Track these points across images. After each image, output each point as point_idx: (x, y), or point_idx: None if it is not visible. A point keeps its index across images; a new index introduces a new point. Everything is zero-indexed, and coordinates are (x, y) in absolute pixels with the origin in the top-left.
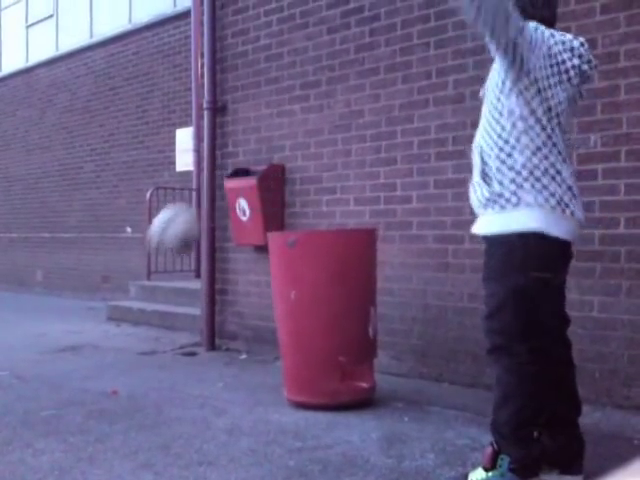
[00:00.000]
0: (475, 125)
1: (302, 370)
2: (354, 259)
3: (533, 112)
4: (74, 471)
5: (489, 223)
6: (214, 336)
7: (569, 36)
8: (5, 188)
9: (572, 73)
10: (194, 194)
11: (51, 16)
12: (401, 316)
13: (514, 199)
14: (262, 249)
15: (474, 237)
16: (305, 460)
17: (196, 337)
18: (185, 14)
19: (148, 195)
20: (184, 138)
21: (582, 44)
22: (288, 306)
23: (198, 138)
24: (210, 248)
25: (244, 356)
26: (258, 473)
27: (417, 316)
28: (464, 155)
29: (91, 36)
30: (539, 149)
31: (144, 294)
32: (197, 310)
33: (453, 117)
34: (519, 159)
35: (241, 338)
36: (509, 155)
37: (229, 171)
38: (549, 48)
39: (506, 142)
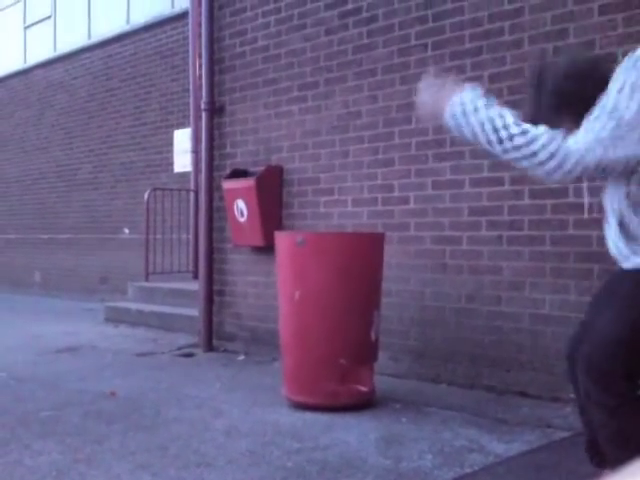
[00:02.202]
0: None
1: (302, 370)
2: (361, 262)
3: None
4: (72, 472)
5: None
6: (212, 337)
7: None
8: (2, 189)
9: None
10: (192, 195)
11: (49, 17)
12: (399, 317)
13: None
14: (260, 250)
15: (472, 238)
16: (303, 461)
17: (194, 338)
18: (183, 15)
19: (146, 196)
20: (182, 139)
21: None
22: (292, 306)
23: (196, 139)
24: (208, 249)
25: (242, 357)
26: (256, 474)
27: (415, 317)
28: (462, 156)
29: (89, 37)
30: None
31: (142, 295)
32: (195, 311)
33: None
34: None
35: (239, 339)
36: None
37: (227, 172)
38: None
39: None
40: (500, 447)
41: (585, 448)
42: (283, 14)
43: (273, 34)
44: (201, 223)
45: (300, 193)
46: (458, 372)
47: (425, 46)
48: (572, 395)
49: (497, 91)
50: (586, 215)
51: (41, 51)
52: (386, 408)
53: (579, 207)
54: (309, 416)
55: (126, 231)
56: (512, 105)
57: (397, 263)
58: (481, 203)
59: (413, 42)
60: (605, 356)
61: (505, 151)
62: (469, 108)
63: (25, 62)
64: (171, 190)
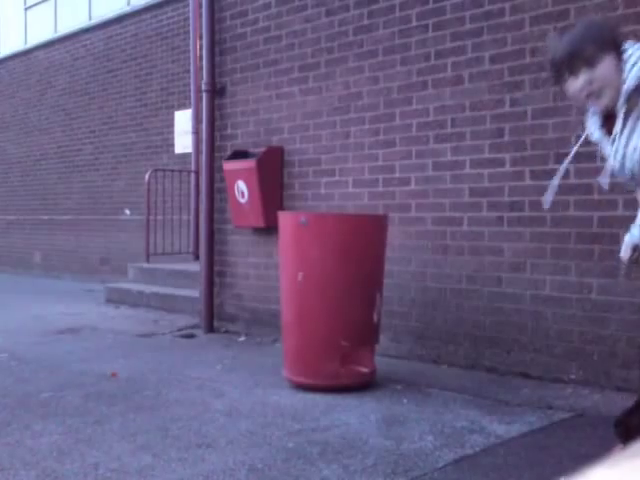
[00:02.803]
0: (474, 107)
1: (304, 351)
2: (364, 244)
3: None
4: (73, 453)
5: None
6: (213, 318)
7: None
8: (3, 170)
9: None
10: (193, 176)
11: None
12: (400, 298)
13: None
14: (261, 231)
15: (472, 219)
16: (304, 442)
17: (195, 319)
18: None
19: (147, 177)
20: (183, 120)
21: None
22: (294, 287)
23: (197, 120)
24: (209, 230)
25: (242, 338)
26: (257, 455)
27: (416, 298)
28: (463, 137)
29: (90, 18)
30: None
31: (143, 276)
32: (196, 292)
33: (452, 99)
34: None
35: (240, 320)
36: None
37: (228, 153)
38: None
39: None
40: (501, 428)
41: (618, 418)
42: None
43: (274, 15)
44: (202, 204)
45: (301, 174)
46: (459, 353)
47: (426, 27)
48: (572, 376)
49: (498, 72)
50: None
51: (42, 32)
52: (387, 389)
53: (580, 188)
54: (310, 397)
55: (127, 212)
56: (512, 85)
57: (398, 244)
58: (482, 184)
59: (414, 23)
60: None
61: None
62: None
63: (26, 43)
64: (172, 171)
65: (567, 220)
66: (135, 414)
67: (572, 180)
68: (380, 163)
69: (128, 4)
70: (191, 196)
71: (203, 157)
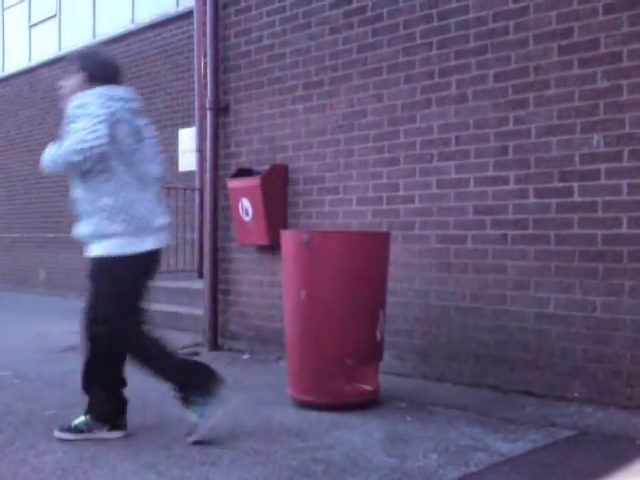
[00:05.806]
0: (478, 125)
1: (307, 369)
2: (367, 261)
3: None
4: (77, 471)
5: None
6: (217, 336)
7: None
8: (7, 188)
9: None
10: (197, 194)
11: (54, 16)
12: (404, 316)
13: None
14: (265, 249)
15: (476, 237)
16: (308, 460)
17: (199, 337)
18: (188, 14)
19: None
20: (187, 138)
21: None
22: (298, 305)
23: (201, 138)
24: (213, 248)
25: (247, 356)
26: (261, 473)
27: (419, 316)
28: (467, 155)
29: (94, 36)
30: None
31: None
32: (200, 310)
33: (456, 117)
34: None
35: (244, 338)
36: None
37: (232, 171)
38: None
39: None
40: (505, 446)
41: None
42: (288, 13)
43: (278, 33)
44: (206, 222)
45: (305, 192)
46: (463, 371)
47: (430, 45)
48: (576, 394)
49: (502, 90)
50: None
51: (46, 50)
52: (391, 407)
53: (584, 206)
54: (313, 415)
55: None
56: (516, 103)
57: (402, 262)
58: (486, 202)
59: (418, 41)
60: None
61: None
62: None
63: (30, 61)
64: (176, 189)
65: (571, 238)
66: (138, 432)
67: (576, 198)
68: (384, 181)
69: (132, 22)
70: (195, 214)
71: (207, 175)
